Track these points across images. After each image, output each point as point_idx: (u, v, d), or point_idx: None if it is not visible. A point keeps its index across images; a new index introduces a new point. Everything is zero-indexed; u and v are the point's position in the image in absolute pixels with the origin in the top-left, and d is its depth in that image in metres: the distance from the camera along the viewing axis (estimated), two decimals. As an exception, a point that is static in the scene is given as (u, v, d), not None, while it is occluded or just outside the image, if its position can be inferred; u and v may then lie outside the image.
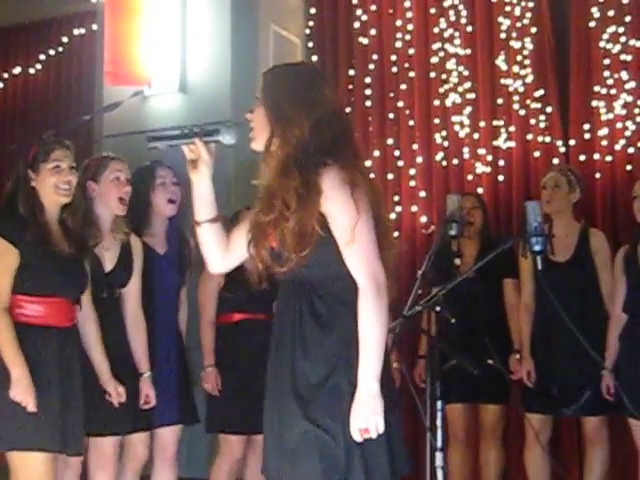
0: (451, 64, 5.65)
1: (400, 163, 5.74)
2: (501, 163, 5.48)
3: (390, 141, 5.79)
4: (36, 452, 3.25)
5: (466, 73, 5.61)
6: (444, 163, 5.65)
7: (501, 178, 5.49)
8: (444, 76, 5.66)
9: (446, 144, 5.65)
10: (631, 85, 5.21)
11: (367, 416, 2.37)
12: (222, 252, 2.67)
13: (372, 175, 2.83)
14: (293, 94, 2.52)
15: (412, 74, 5.76)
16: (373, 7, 5.90)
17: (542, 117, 5.37)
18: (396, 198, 5.70)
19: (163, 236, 4.21)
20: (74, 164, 3.53)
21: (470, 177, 5.54)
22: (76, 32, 6.87)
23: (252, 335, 4.31)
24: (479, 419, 4.80)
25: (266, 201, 2.47)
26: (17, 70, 7.18)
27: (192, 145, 2.57)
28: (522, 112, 5.43)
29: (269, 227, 2.45)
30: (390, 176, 5.69)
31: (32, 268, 3.35)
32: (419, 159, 5.69)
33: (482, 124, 5.54)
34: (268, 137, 2.51)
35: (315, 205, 2.41)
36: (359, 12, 5.93)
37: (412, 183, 5.70)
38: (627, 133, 5.19)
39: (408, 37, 5.79)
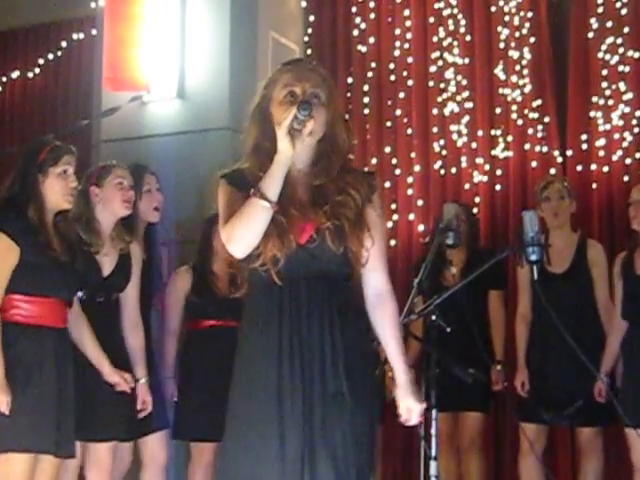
0: (449, 73, 5.65)
1: (397, 171, 5.74)
2: (498, 172, 5.48)
3: (388, 149, 5.79)
4: (22, 453, 3.25)
5: (464, 82, 5.61)
6: (442, 172, 5.65)
7: (498, 187, 5.48)
8: (442, 85, 5.66)
9: (444, 153, 5.65)
10: (629, 96, 5.21)
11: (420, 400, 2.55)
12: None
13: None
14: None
15: (410, 82, 5.76)
16: (372, 15, 5.90)
17: (540, 127, 5.37)
18: (393, 206, 5.69)
19: (142, 241, 4.23)
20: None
21: (467, 186, 5.54)
22: (75, 37, 6.86)
23: (222, 341, 4.02)
24: (460, 428, 4.77)
25: (340, 198, 2.54)
26: (16, 74, 7.17)
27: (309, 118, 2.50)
28: (520, 122, 5.43)
29: (346, 222, 2.50)
30: (387, 184, 5.69)
31: (31, 268, 3.35)
32: (417, 167, 5.69)
33: (480, 133, 5.53)
34: (328, 137, 2.69)
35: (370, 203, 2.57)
36: (358, 20, 5.94)
37: (409, 191, 5.70)
38: (624, 144, 5.19)
39: (407, 46, 5.80)
